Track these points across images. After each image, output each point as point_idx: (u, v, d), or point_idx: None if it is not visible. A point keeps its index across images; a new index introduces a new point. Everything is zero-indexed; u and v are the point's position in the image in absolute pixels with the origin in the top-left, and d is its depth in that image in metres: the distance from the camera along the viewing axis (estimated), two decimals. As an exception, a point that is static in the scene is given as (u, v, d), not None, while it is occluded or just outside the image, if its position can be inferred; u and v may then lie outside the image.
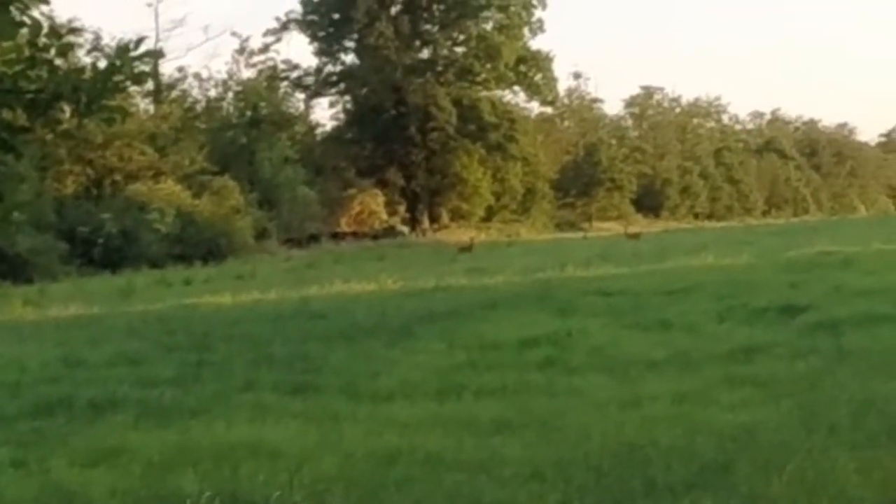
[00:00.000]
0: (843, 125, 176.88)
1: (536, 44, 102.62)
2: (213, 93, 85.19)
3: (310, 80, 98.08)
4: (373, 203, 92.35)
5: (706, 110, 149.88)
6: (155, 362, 16.85)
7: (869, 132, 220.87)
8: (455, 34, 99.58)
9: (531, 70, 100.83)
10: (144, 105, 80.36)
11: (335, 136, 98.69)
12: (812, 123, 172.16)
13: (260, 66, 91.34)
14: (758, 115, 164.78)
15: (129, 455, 10.30)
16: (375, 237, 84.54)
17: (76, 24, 74.54)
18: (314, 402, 12.77)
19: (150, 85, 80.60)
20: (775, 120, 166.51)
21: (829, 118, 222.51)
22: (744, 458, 9.15)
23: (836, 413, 10.39)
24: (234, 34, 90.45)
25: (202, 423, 11.74)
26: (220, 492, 8.78)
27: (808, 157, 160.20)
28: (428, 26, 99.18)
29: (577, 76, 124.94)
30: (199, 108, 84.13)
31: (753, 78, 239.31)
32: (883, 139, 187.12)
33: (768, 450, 9.34)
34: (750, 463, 9.01)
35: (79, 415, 12.64)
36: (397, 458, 9.86)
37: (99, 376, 15.53)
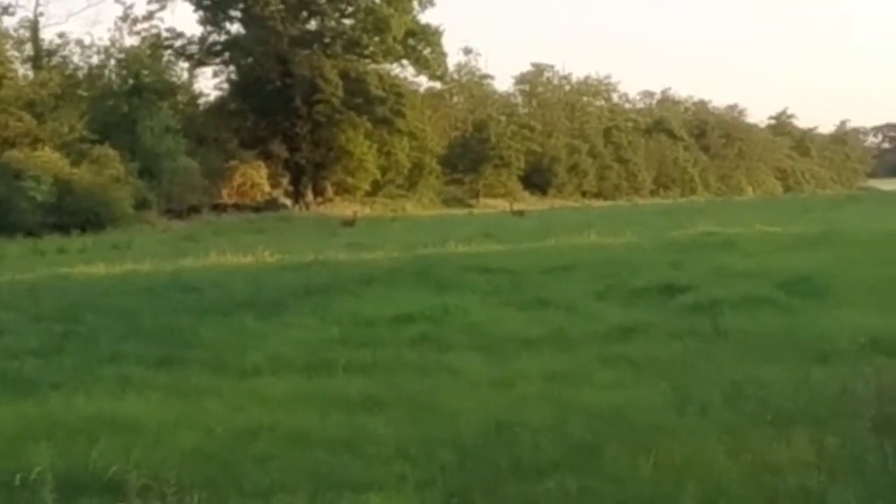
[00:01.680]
0: (733, 106, 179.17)
1: (426, 18, 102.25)
2: (94, 60, 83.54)
3: (194, 49, 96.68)
4: (256, 175, 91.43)
5: (596, 89, 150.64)
6: (19, 333, 16.43)
7: (758, 114, 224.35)
8: (343, 6, 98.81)
9: (420, 44, 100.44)
10: (23, 71, 78.76)
11: (219, 107, 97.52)
12: (702, 104, 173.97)
13: (143, 34, 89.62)
14: (648, 94, 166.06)
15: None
16: (257, 210, 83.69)
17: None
18: (179, 376, 12.54)
19: (29, 50, 79.17)
20: (665, 100, 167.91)
21: (719, 99, 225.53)
22: (613, 439, 9.10)
23: (709, 395, 10.35)
24: (117, 1, 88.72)
25: (62, 395, 11.51)
26: (73, 466, 8.55)
27: (697, 138, 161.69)
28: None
29: (467, 52, 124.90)
30: (80, 75, 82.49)
31: (645, 57, 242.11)
32: (772, 122, 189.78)
33: (638, 431, 9.28)
34: (619, 444, 8.95)
35: (-68, 385, 12.19)
36: (259, 434, 9.71)
37: (-42, 347, 15.05)
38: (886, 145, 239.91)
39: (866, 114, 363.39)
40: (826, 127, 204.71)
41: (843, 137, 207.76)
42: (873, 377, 9.61)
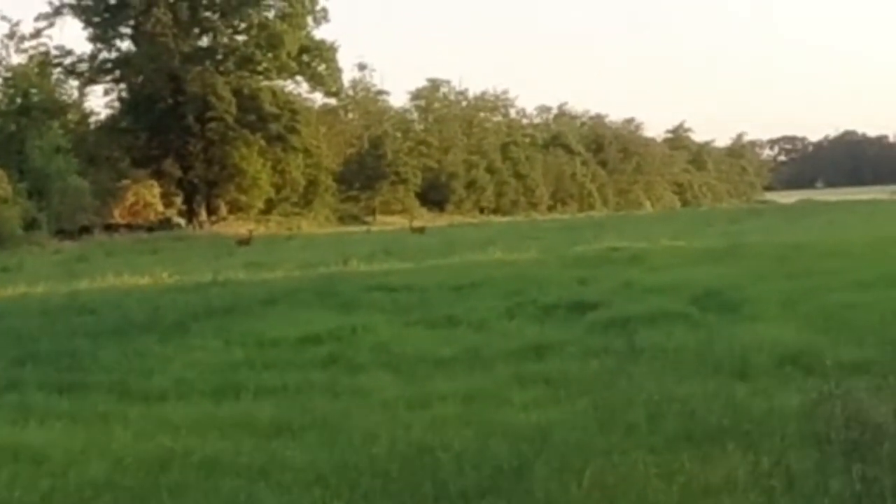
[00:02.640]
0: (629, 121, 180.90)
1: (320, 33, 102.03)
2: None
3: (84, 66, 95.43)
4: (148, 194, 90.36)
5: (493, 104, 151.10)
6: None
7: (655, 128, 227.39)
8: (236, 22, 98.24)
9: (314, 60, 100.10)
10: None
11: (110, 126, 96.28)
12: (599, 118, 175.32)
13: (31, 52, 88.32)
14: (545, 109, 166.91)
15: None
16: (150, 229, 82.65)
17: None
18: (82, 402, 12.21)
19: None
20: (562, 115, 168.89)
21: (615, 113, 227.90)
22: (539, 460, 8.88)
23: (633, 414, 10.18)
24: (3, 18, 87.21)
25: (-42, 425, 10.95)
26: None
27: (595, 153, 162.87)
28: (208, 13, 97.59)
29: (362, 67, 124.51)
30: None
31: (541, 72, 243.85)
32: (669, 135, 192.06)
33: (565, 452, 9.06)
34: (546, 466, 8.73)
35: None
36: (170, 462, 9.39)
37: None
38: (783, 158, 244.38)
39: (762, 127, 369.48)
40: (722, 140, 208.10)
41: (740, 151, 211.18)
42: (839, 400, 9.45)
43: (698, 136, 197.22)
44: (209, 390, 12.54)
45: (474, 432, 9.81)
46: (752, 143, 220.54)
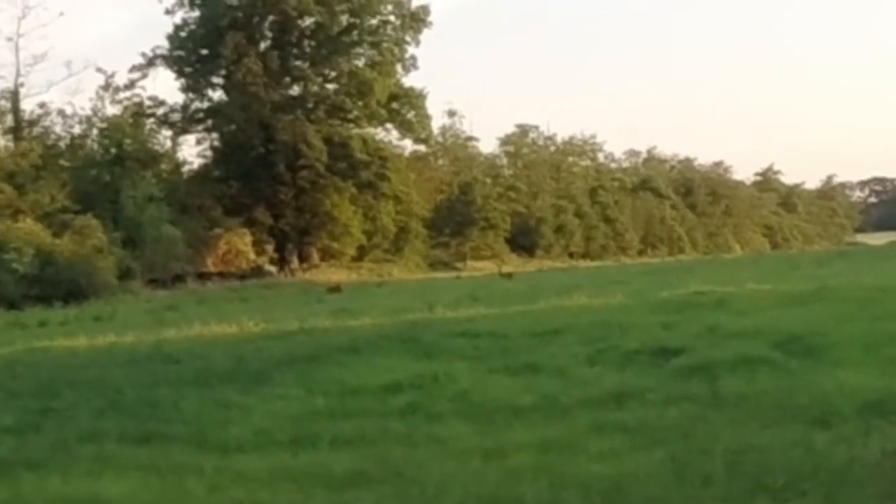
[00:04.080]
0: (718, 164, 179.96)
1: (409, 81, 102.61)
2: (76, 129, 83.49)
3: (176, 116, 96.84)
4: (240, 243, 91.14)
5: (581, 149, 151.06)
6: (-6, 410, 15.90)
7: (744, 171, 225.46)
8: (326, 71, 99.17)
9: (404, 107, 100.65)
10: (4, 142, 78.72)
11: (202, 174, 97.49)
12: (688, 162, 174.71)
13: (125, 103, 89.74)
14: (633, 153, 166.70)
15: (-52, 516, 9.59)
16: (242, 277, 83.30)
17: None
18: (159, 453, 12.08)
19: (9, 121, 79.03)
20: (651, 158, 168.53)
21: (704, 156, 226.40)
22: (613, 514, 8.64)
23: (710, 464, 9.93)
24: (98, 70, 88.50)
25: (37, 476, 11.06)
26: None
27: (684, 196, 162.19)
28: (298, 62, 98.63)
29: (451, 114, 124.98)
30: (61, 145, 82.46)
31: (629, 116, 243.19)
32: (758, 178, 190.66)
33: (638, 504, 8.83)
34: (620, 519, 8.50)
35: None
36: None
37: (-69, 428, 14.60)
38: (873, 199, 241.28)
39: (852, 168, 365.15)
40: (812, 182, 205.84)
41: (830, 192, 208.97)
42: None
43: (788, 179, 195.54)
44: (287, 440, 12.41)
45: (548, 483, 9.64)
46: (843, 185, 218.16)
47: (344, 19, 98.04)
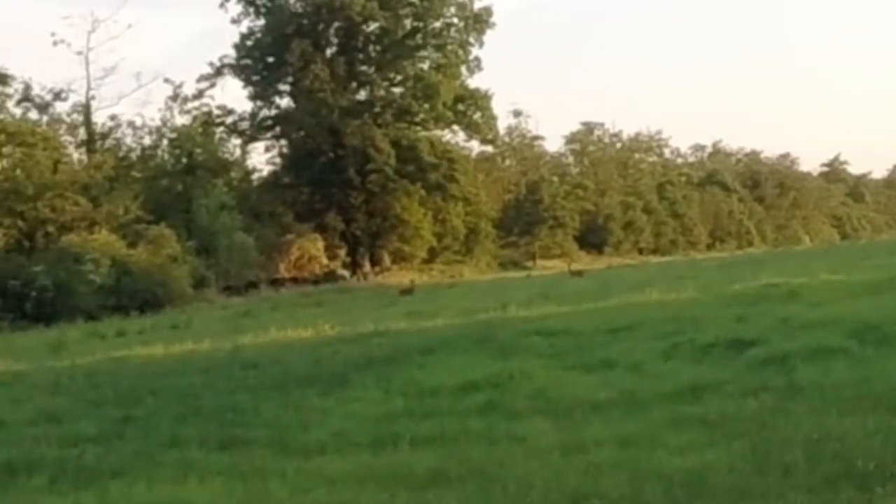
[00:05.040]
0: (784, 155, 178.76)
1: (474, 82, 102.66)
2: (147, 140, 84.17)
3: (245, 124, 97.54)
4: (312, 248, 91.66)
5: (647, 145, 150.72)
6: (78, 419, 16.24)
7: (811, 162, 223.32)
8: (392, 74, 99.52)
9: (470, 109, 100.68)
10: (77, 155, 79.68)
11: (272, 181, 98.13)
12: (754, 155, 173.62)
13: (194, 112, 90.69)
14: (699, 147, 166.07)
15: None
16: (316, 282, 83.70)
17: (4, 72, 74.58)
18: (241, 458, 12.26)
19: (82, 134, 79.97)
20: (717, 152, 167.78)
21: (770, 149, 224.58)
22: (695, 505, 8.65)
23: (790, 454, 9.92)
24: (167, 80, 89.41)
25: (122, 483, 11.28)
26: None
27: (751, 189, 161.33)
28: (364, 67, 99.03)
29: (516, 114, 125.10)
30: (133, 156, 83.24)
31: (694, 110, 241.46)
32: (825, 168, 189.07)
33: (721, 495, 8.90)
34: (702, 511, 8.52)
35: (-8, 479, 11.98)
36: None
37: (17, 436, 14.96)
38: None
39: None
40: (879, 171, 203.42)
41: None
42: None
43: (855, 169, 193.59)
44: (367, 442, 12.53)
45: (629, 478, 9.68)
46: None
47: (408, 23, 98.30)
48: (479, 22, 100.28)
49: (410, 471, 10.84)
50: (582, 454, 10.93)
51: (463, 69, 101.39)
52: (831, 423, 11.03)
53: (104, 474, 11.81)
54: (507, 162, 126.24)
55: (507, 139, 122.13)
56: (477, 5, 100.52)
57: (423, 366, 18.95)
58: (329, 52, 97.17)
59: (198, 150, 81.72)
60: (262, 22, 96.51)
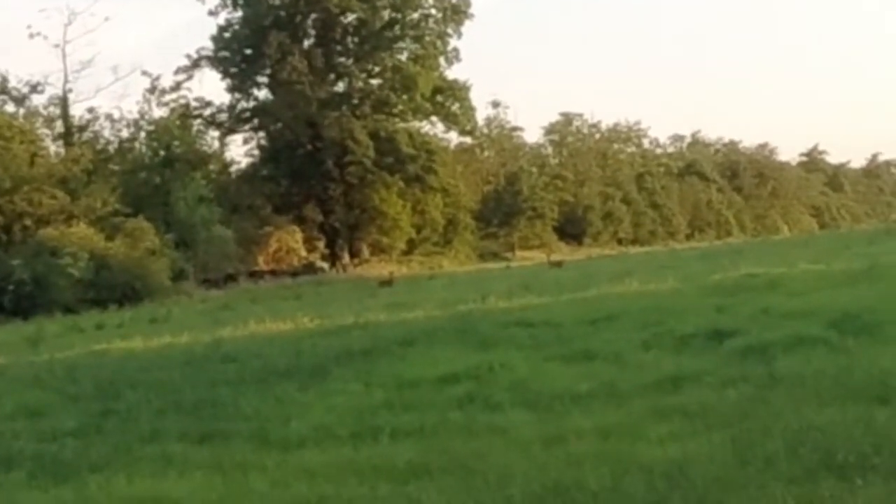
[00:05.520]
0: (763, 145, 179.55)
1: (453, 73, 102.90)
2: (124, 133, 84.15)
3: (223, 117, 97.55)
4: (291, 240, 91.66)
5: (626, 135, 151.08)
6: (57, 414, 16.17)
7: (790, 152, 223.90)
8: (370, 66, 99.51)
9: (448, 100, 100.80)
10: (55, 148, 79.46)
11: (250, 174, 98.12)
12: (733, 145, 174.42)
13: (172, 105, 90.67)
14: (678, 138, 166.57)
15: (19, 516, 9.72)
16: (294, 274, 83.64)
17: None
18: (221, 452, 12.19)
19: (59, 127, 79.70)
20: (696, 142, 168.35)
21: (749, 139, 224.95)
22: (676, 496, 8.68)
23: (771, 444, 9.91)
24: (144, 73, 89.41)
25: (102, 477, 11.20)
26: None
27: (730, 179, 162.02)
28: (342, 59, 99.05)
29: (495, 105, 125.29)
30: (111, 149, 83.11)
31: (673, 101, 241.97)
32: (804, 158, 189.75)
33: (702, 487, 8.85)
34: (683, 502, 8.54)
35: (-30, 474, 11.90)
36: None
37: (-5, 431, 14.78)
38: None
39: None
40: (858, 161, 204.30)
41: (876, 171, 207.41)
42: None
43: (833, 158, 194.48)
44: (347, 435, 12.47)
45: (610, 469, 9.63)
46: (888, 163, 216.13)
47: (386, 14, 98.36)
48: (457, 13, 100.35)
49: (391, 464, 10.80)
50: (563, 446, 10.89)
51: (441, 60, 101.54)
52: (812, 413, 11.02)
53: (83, 468, 11.74)
54: (486, 153, 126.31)
55: (485, 130, 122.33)
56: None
57: (403, 358, 18.93)
58: (307, 43, 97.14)
59: (176, 143, 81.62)
60: (239, 14, 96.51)
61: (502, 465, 10.26)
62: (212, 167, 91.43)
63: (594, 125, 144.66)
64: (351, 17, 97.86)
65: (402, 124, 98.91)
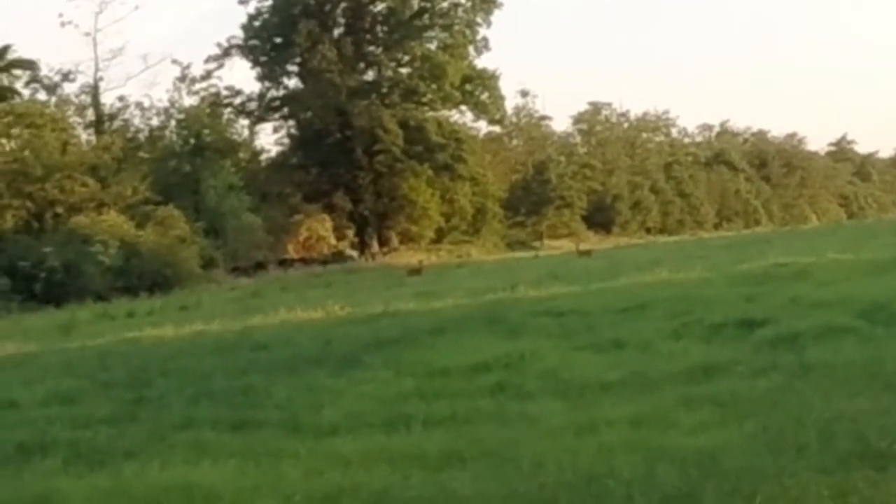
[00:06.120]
0: (792, 135, 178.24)
1: (482, 62, 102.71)
2: (155, 121, 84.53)
3: (253, 105, 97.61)
4: (320, 228, 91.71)
5: (654, 124, 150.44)
6: (90, 401, 16.22)
7: (818, 141, 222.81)
8: (399, 55, 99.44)
9: (477, 89, 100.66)
10: (86, 136, 79.76)
11: (280, 162, 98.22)
12: (761, 134, 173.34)
13: (202, 93, 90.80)
14: (706, 127, 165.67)
15: (54, 502, 9.79)
16: (324, 263, 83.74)
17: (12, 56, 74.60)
18: (254, 439, 12.21)
19: (90, 115, 79.98)
20: (724, 132, 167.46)
21: (777, 128, 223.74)
22: (709, 485, 8.66)
23: (802, 434, 9.89)
24: (174, 62, 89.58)
25: (136, 464, 11.20)
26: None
27: (758, 169, 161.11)
28: (371, 48, 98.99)
29: (524, 94, 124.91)
30: (141, 137, 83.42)
31: (701, 90, 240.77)
32: (832, 148, 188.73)
33: (734, 476, 8.84)
34: (716, 491, 8.53)
35: (5, 460, 12.07)
36: (340, 498, 9.36)
37: (30, 417, 14.96)
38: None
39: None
40: (886, 151, 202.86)
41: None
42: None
43: (862, 148, 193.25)
44: (379, 422, 12.50)
45: (642, 458, 9.64)
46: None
47: (415, 3, 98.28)
48: (487, 2, 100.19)
49: (423, 451, 10.80)
50: (594, 434, 10.89)
51: (470, 49, 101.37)
52: (843, 402, 11.00)
53: (118, 455, 11.76)
54: (515, 142, 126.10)
55: (514, 119, 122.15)
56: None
57: (433, 346, 18.93)
58: (336, 32, 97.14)
59: (206, 131, 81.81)
60: (269, 2, 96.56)
61: (534, 453, 10.24)
62: (241, 155, 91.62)
63: (623, 114, 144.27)
64: (380, 6, 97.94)
65: (431, 113, 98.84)
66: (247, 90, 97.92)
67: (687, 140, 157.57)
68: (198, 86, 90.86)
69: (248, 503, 9.38)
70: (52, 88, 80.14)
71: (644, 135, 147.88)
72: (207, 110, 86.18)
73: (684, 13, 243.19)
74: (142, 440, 12.66)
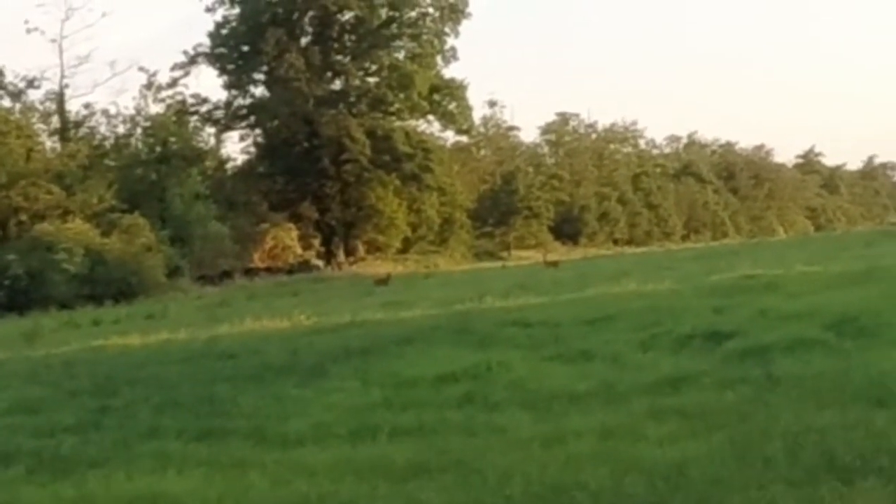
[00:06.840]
0: (759, 147, 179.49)
1: (450, 72, 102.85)
2: (121, 129, 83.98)
3: (220, 113, 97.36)
4: (287, 237, 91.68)
5: (623, 136, 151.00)
6: (55, 409, 16.12)
7: (786, 154, 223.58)
8: (367, 64, 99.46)
9: (445, 99, 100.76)
10: (51, 143, 79.40)
11: (247, 171, 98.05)
12: (729, 146, 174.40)
13: (168, 101, 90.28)
14: (675, 139, 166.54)
15: (19, 512, 9.70)
16: (290, 272, 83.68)
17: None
18: (220, 449, 12.16)
19: (56, 122, 79.63)
20: (692, 143, 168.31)
21: (745, 140, 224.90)
22: (677, 497, 8.71)
23: (770, 446, 9.91)
24: (141, 69, 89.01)
25: (101, 474, 11.17)
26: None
27: (726, 181, 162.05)
28: (339, 57, 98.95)
29: (492, 104, 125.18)
30: (107, 144, 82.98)
31: (669, 102, 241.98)
32: (800, 160, 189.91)
33: (702, 487, 8.87)
34: (684, 503, 8.54)
35: (-33, 470, 11.89)
36: None
37: (-7, 426, 14.77)
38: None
39: (894, 148, 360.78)
40: (854, 163, 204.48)
41: (872, 173, 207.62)
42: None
43: (829, 160, 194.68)
44: (346, 433, 12.45)
45: (610, 470, 9.62)
46: (884, 166, 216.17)
47: (383, 12, 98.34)
48: (455, 12, 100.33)
49: (390, 462, 10.76)
50: (562, 446, 10.86)
51: (438, 59, 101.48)
52: (811, 415, 11.01)
53: (82, 465, 11.74)
54: (483, 152, 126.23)
55: (482, 129, 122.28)
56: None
57: (401, 357, 18.87)
58: (304, 41, 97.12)
59: (172, 139, 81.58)
60: (236, 10, 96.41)
61: (502, 464, 10.23)
62: (208, 164, 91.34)
63: (591, 125, 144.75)
64: (348, 15, 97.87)
65: (398, 123, 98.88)
66: (213, 98, 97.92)
67: (655, 151, 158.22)
68: (164, 93, 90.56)
69: (214, 514, 9.29)
70: (16, 95, 79.74)
71: (612, 146, 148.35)
72: (174, 118, 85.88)
73: (652, 25, 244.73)
74: (107, 449, 12.61)
